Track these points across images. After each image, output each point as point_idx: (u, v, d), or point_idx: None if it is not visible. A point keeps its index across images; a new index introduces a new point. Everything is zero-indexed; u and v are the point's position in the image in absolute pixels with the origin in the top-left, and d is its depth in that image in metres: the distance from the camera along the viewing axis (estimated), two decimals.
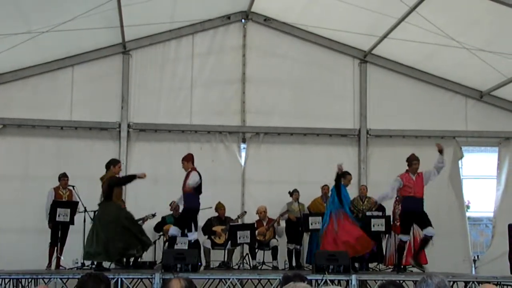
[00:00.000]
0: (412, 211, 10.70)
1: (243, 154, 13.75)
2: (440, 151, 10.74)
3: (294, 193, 12.39)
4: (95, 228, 10.09)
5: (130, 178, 10.67)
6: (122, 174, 12.95)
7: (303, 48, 13.91)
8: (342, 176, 11.09)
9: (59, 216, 11.01)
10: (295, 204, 12.37)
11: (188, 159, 10.90)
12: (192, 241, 10.76)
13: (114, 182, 10.36)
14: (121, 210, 10.65)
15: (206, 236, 12.12)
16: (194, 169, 10.77)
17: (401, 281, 9.91)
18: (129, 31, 12.81)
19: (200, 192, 10.78)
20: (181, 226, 10.86)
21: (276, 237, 12.38)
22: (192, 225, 10.77)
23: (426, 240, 10.77)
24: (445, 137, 13.74)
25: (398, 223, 12.19)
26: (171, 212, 12.32)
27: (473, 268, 13.26)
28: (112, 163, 10.43)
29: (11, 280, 9.37)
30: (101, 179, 10.40)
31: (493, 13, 10.58)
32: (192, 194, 10.69)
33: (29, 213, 12.29)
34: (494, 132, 13.94)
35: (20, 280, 9.55)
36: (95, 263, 10.20)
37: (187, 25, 13.59)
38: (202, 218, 11.78)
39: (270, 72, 13.88)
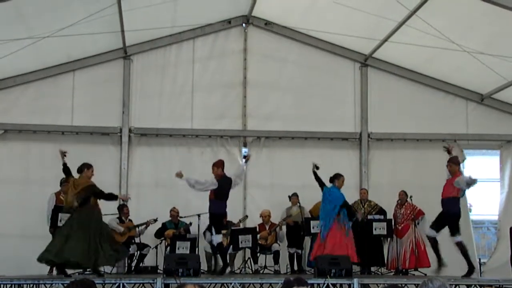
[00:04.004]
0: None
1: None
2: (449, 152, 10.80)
3: (292, 197, 12.41)
4: (79, 234, 9.80)
5: (111, 197, 10.43)
6: (123, 179, 13.08)
7: (304, 52, 13.92)
8: (336, 178, 11.04)
9: (60, 221, 10.97)
10: (294, 209, 12.38)
11: (218, 165, 10.87)
12: (215, 244, 10.79)
13: (95, 193, 10.11)
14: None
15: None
16: (220, 176, 10.77)
17: (403, 285, 9.92)
18: (130, 36, 12.83)
19: (222, 199, 10.78)
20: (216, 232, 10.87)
21: (278, 241, 12.38)
22: (216, 228, 10.87)
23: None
24: (446, 140, 13.70)
25: (399, 227, 12.21)
26: (170, 218, 12.35)
27: (480, 273, 13.24)
28: (86, 167, 10.16)
29: (13, 285, 9.35)
30: (72, 182, 10.14)
31: (493, 15, 10.58)
32: (214, 200, 10.72)
33: (30, 218, 12.28)
34: (495, 135, 13.93)
35: (21, 285, 9.53)
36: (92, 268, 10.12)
37: (188, 30, 13.61)
38: (203, 222, 11.77)
39: (271, 76, 13.89)
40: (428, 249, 11.97)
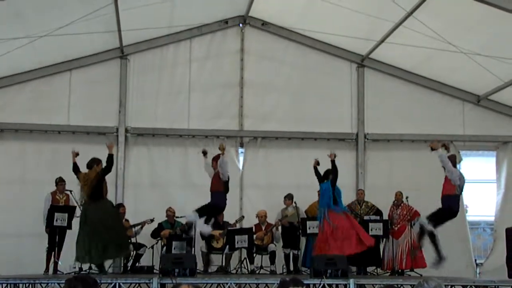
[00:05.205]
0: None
1: (241, 158, 13.75)
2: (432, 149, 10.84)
3: (286, 199, 12.42)
4: (96, 228, 10.05)
5: (110, 158, 10.58)
6: (119, 179, 13.08)
7: (301, 52, 13.92)
8: (329, 174, 11.17)
9: (56, 220, 10.97)
10: (289, 209, 12.39)
11: (217, 159, 11.12)
12: (206, 234, 10.91)
13: (106, 171, 10.45)
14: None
15: (204, 241, 12.10)
16: None
17: (399, 285, 9.92)
18: (127, 35, 12.82)
19: (227, 191, 11.17)
20: (201, 215, 11.07)
21: (274, 242, 12.37)
22: (212, 219, 11.17)
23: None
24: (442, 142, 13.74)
25: (395, 228, 12.23)
26: (167, 218, 12.35)
27: (477, 274, 13.27)
28: (96, 162, 10.43)
29: (9, 285, 9.33)
30: (84, 178, 10.41)
31: (490, 17, 10.59)
32: (221, 192, 10.98)
33: (26, 218, 12.25)
34: (492, 136, 13.95)
35: (17, 285, 9.51)
36: (97, 265, 10.18)
37: (185, 30, 13.60)
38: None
39: (268, 76, 13.89)
40: (424, 250, 12.00)
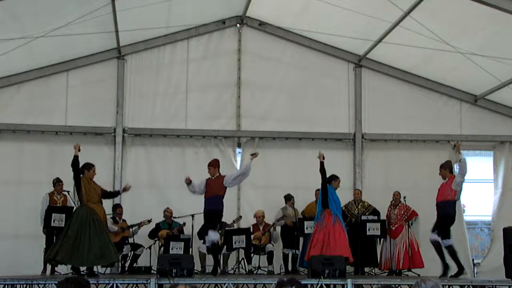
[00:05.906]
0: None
1: (239, 158, 13.74)
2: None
3: (290, 199, 12.40)
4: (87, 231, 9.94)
5: (72, 160, 9.96)
6: (117, 179, 13.06)
7: (298, 52, 13.93)
8: (332, 179, 11.06)
9: (54, 221, 10.95)
10: (289, 209, 12.38)
11: (215, 165, 10.97)
12: (215, 241, 10.86)
13: (73, 176, 9.93)
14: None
15: (202, 241, 12.08)
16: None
17: (396, 285, 9.94)
18: (124, 36, 12.82)
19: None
20: (212, 227, 10.93)
21: (272, 242, 12.37)
22: (218, 226, 11.00)
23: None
24: (439, 141, 13.78)
25: (393, 228, 12.23)
26: (164, 218, 12.34)
27: (474, 273, 13.28)
28: (86, 168, 10.10)
29: (6, 286, 9.33)
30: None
31: (487, 17, 10.60)
32: (221, 196, 10.82)
33: (23, 219, 12.27)
34: (489, 136, 13.97)
35: (15, 285, 9.50)
36: (71, 267, 10.12)
37: (182, 30, 13.60)
38: (197, 222, 11.77)
39: (265, 76, 13.89)
40: (422, 250, 12.02)
